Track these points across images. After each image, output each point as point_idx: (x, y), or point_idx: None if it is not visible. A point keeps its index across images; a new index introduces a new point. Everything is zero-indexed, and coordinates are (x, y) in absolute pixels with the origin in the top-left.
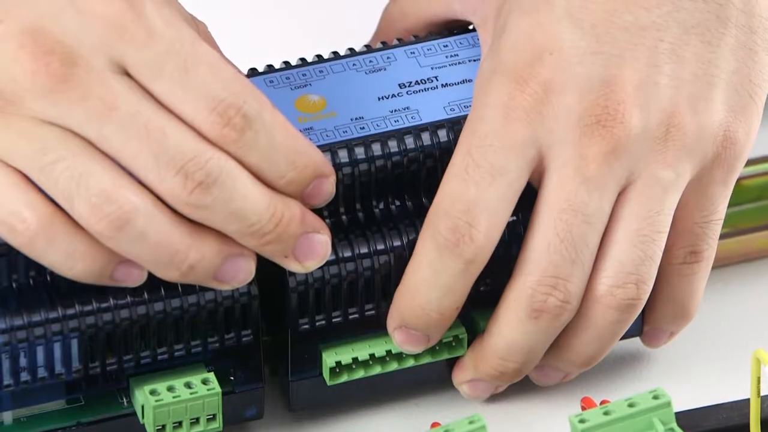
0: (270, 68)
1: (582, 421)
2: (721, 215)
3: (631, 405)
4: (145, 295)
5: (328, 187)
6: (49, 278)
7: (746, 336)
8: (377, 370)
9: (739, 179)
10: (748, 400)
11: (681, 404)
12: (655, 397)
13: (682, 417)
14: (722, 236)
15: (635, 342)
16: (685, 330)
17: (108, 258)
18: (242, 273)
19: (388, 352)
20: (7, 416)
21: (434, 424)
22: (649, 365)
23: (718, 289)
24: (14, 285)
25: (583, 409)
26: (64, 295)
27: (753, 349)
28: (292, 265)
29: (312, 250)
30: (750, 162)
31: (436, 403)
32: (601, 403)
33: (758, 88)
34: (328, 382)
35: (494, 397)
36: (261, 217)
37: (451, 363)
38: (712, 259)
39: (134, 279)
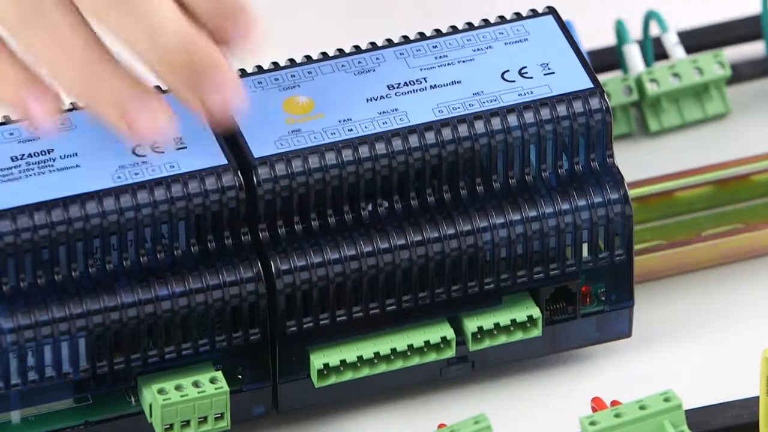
0: (259, 69)
1: (593, 423)
2: None
3: (642, 407)
4: (153, 294)
5: (246, 22)
6: (57, 277)
7: (756, 333)
8: (365, 372)
9: (749, 175)
10: (758, 398)
11: (690, 402)
12: (666, 400)
13: (691, 415)
14: (731, 232)
15: (643, 342)
16: (693, 327)
17: (25, 78)
18: (151, 117)
19: (376, 354)
20: (15, 415)
21: (441, 425)
22: (659, 363)
23: (728, 286)
24: (22, 284)
25: (594, 410)
26: (72, 294)
27: (763, 347)
28: (205, 98)
29: (223, 84)
30: (760, 157)
31: (437, 404)
32: (612, 404)
33: None
34: (316, 385)
35: (501, 397)
36: (170, 35)
37: (441, 364)
38: None
39: (41, 113)
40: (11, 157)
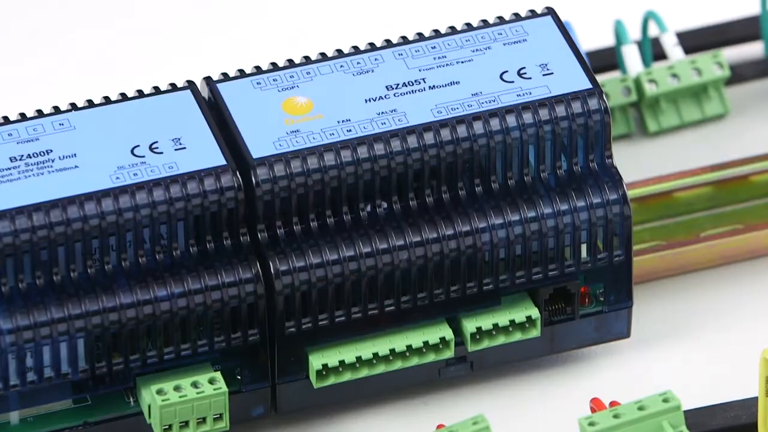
0: (257, 69)
1: (591, 423)
2: None
3: (641, 408)
4: (152, 295)
5: None
6: (55, 278)
7: (755, 334)
8: (364, 372)
9: (748, 175)
10: (757, 398)
11: (689, 403)
12: (665, 400)
13: (690, 415)
14: (731, 233)
15: (642, 343)
16: (692, 327)
17: None
18: None
19: (375, 354)
20: (14, 416)
21: (439, 426)
22: (658, 364)
23: (727, 287)
24: (21, 285)
25: (593, 410)
26: (71, 295)
27: (762, 348)
28: None
29: None
30: (759, 158)
31: (435, 404)
32: (611, 404)
33: None
34: (315, 385)
35: (500, 398)
36: None
37: (439, 365)
38: None
39: None
40: (10, 158)
